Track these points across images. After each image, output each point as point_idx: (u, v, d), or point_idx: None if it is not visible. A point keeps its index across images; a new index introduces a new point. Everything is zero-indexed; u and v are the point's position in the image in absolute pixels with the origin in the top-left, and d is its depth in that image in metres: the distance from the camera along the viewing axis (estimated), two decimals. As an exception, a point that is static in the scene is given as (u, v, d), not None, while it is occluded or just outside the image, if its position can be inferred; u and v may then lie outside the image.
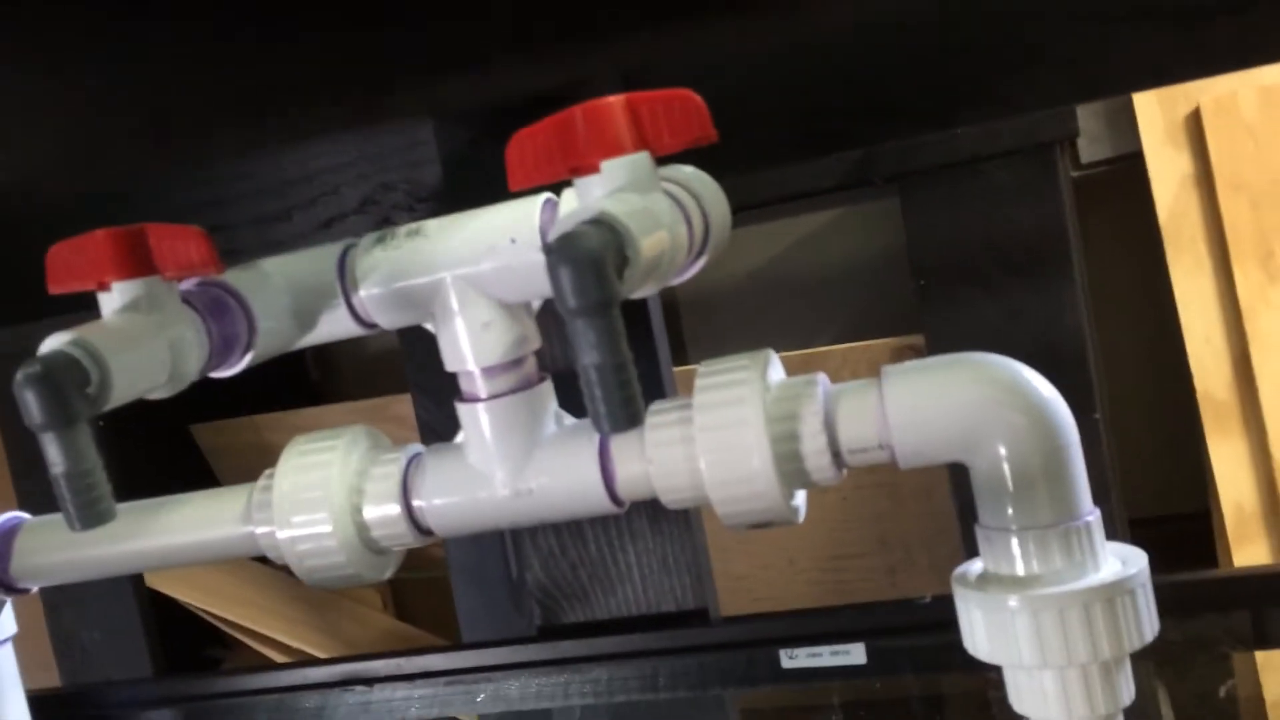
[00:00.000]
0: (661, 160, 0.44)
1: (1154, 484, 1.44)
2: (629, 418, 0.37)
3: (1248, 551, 1.14)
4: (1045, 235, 1.07)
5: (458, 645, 0.69)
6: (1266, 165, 1.19)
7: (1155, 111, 1.25)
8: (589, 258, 0.35)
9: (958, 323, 1.11)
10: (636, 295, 0.41)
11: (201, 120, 0.49)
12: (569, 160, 0.41)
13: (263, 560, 1.59)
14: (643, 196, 0.41)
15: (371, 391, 1.62)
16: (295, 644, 1.45)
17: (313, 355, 1.86)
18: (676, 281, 0.46)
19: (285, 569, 1.63)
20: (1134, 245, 1.34)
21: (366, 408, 1.54)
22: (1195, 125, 1.23)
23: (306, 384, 1.85)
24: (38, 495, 1.06)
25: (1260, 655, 1.12)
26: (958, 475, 1.14)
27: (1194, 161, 1.23)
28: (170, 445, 1.61)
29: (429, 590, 1.62)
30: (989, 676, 1.21)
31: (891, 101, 0.59)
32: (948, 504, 1.22)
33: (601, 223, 0.37)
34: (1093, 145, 1.35)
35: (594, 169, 0.41)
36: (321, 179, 0.65)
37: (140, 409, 0.45)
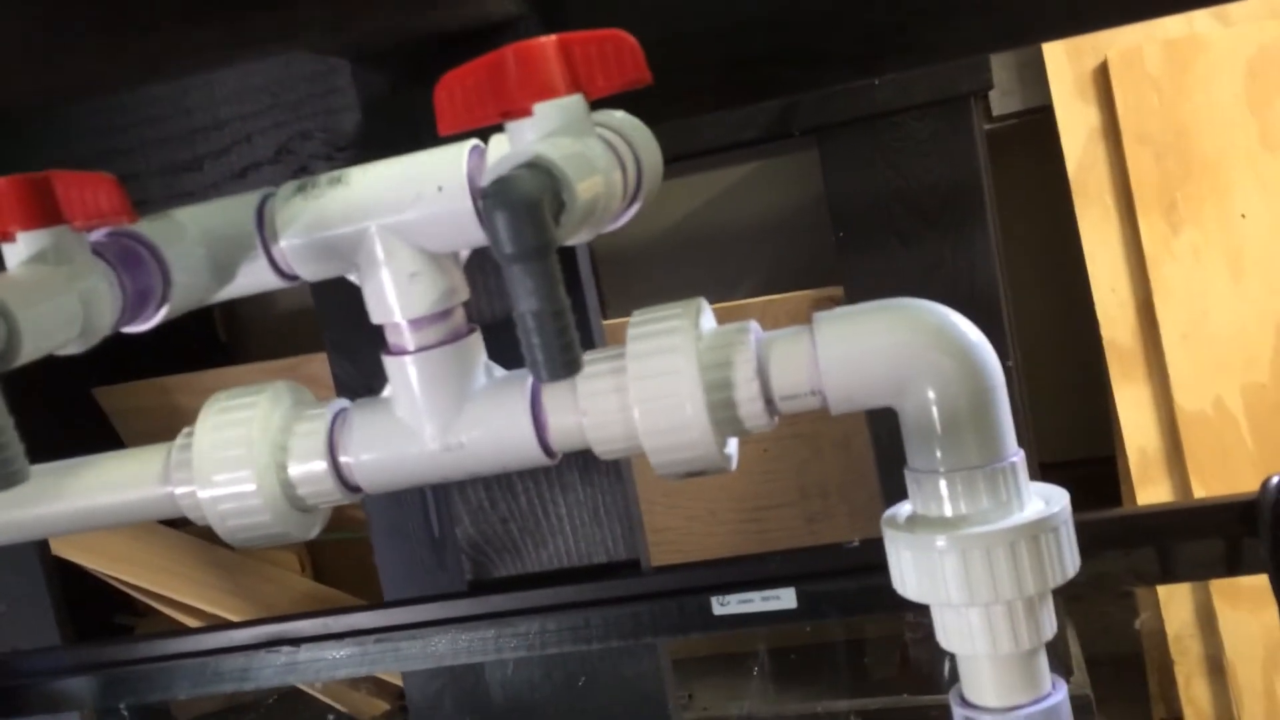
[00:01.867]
0: (593, 105, 0.43)
1: (1062, 429, 1.49)
2: (567, 365, 0.36)
3: (1150, 493, 1.18)
4: (960, 187, 1.09)
5: (386, 603, 0.68)
6: (1170, 118, 1.22)
7: (1064, 65, 1.27)
8: (525, 202, 0.35)
9: (875, 274, 1.13)
10: (570, 242, 0.41)
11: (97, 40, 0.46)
12: (500, 103, 0.40)
13: (173, 524, 1.56)
14: (577, 140, 0.40)
15: (282, 351, 1.59)
16: (210, 609, 1.42)
17: (221, 315, 1.82)
18: (610, 229, 0.45)
19: (197, 532, 1.59)
20: (1042, 197, 1.37)
21: (278, 368, 1.50)
22: (1103, 78, 1.26)
23: (215, 344, 1.81)
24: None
25: (1163, 592, 1.17)
26: (877, 424, 1.16)
27: (1101, 114, 1.26)
28: (72, 408, 1.56)
29: (347, 552, 1.60)
30: (906, 619, 1.24)
31: (815, 49, 0.59)
32: (865, 453, 1.25)
33: (537, 166, 0.36)
34: (1003, 98, 1.37)
35: (526, 112, 0.40)
36: (233, 126, 0.62)
37: (40, 371, 0.43)
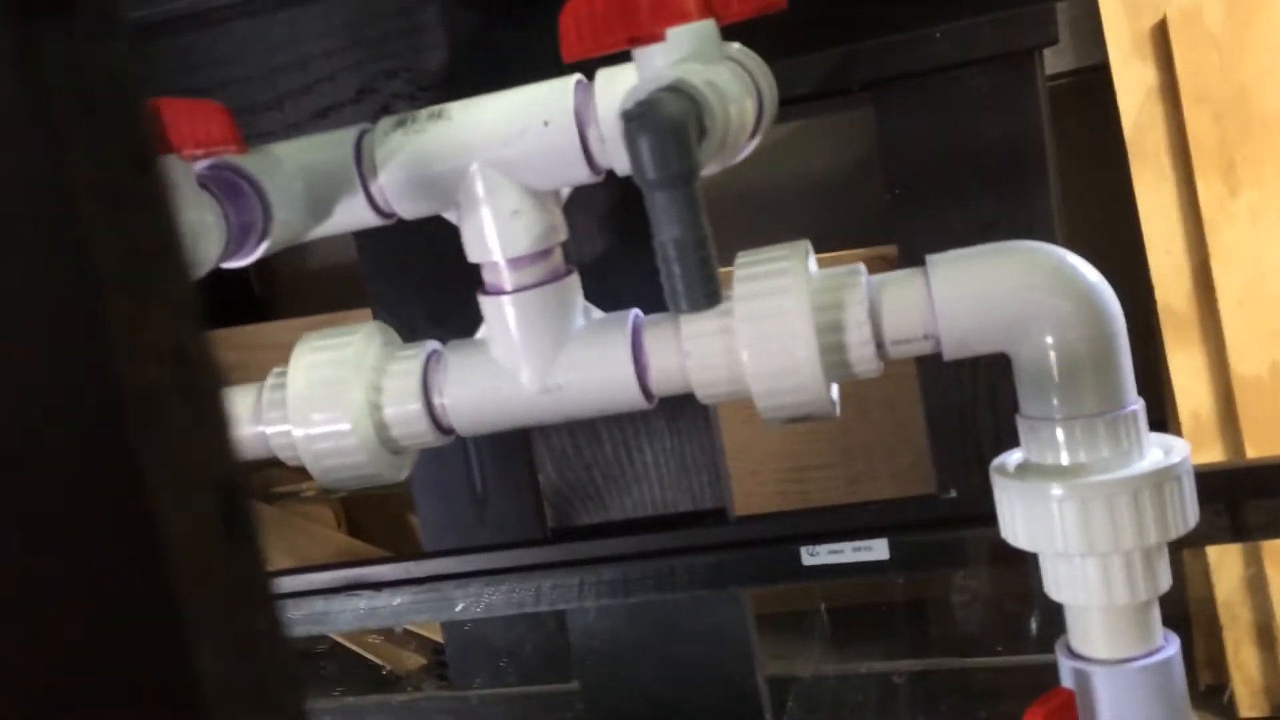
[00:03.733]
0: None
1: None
2: (709, 296, 0.35)
3: (1203, 458, 1.17)
4: (1021, 146, 1.07)
5: (468, 549, 0.67)
6: (1230, 77, 1.20)
7: (1122, 22, 1.25)
8: (671, 125, 0.33)
9: (930, 233, 1.11)
10: (703, 173, 0.39)
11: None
12: (630, 29, 0.39)
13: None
14: (709, 67, 0.39)
15: (316, 307, 1.58)
16: (248, 563, 1.42)
17: (255, 270, 1.81)
18: (734, 161, 0.44)
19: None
20: (1095, 157, 1.35)
21: (318, 322, 1.49)
22: (1161, 36, 1.23)
23: (249, 300, 1.80)
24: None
25: (1213, 556, 1.16)
26: (928, 384, 1.15)
27: (1159, 73, 1.23)
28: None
29: (383, 508, 1.60)
30: (954, 581, 1.23)
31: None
32: (913, 414, 1.23)
33: (680, 90, 0.35)
34: (1056, 57, 1.35)
35: (657, 37, 0.39)
36: (315, 65, 0.61)
37: None
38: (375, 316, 1.05)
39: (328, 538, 1.57)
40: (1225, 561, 1.15)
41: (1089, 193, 1.48)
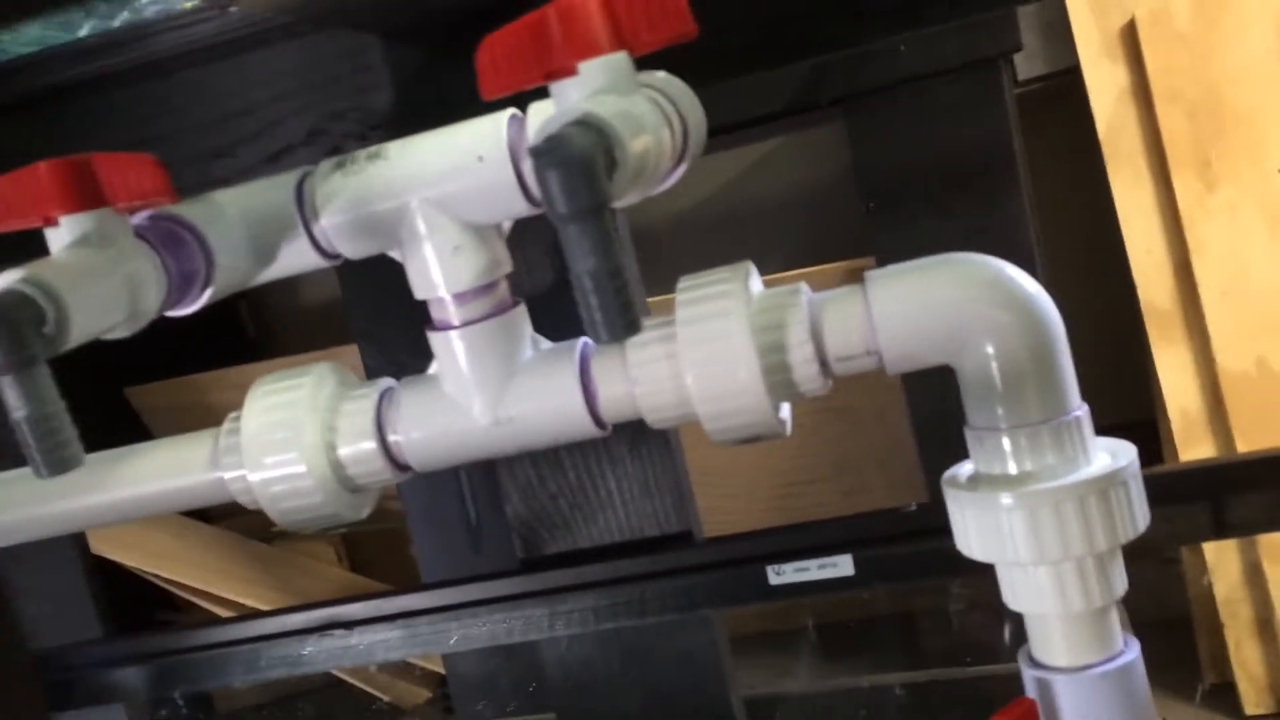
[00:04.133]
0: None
1: (1100, 394, 1.47)
2: (627, 325, 0.36)
3: (1194, 455, 1.17)
4: (992, 152, 1.07)
5: (438, 583, 0.68)
6: (1201, 75, 1.20)
7: (1090, 25, 1.25)
8: (579, 159, 0.34)
9: (907, 243, 1.11)
10: (620, 204, 0.40)
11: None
12: (544, 63, 0.39)
13: (210, 519, 1.56)
14: (623, 98, 0.39)
15: (309, 345, 1.59)
16: (248, 602, 1.42)
17: (248, 311, 1.82)
18: (658, 190, 0.44)
19: (234, 527, 1.59)
20: (1071, 160, 1.35)
21: (308, 360, 1.50)
22: (1130, 37, 1.24)
23: (243, 341, 1.81)
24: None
25: (1210, 554, 1.15)
26: (914, 394, 1.15)
27: (1130, 74, 1.23)
28: (104, 409, 1.56)
29: (385, 543, 1.60)
30: (949, 591, 1.22)
31: (854, 3, 0.58)
32: (902, 425, 1.23)
33: (587, 124, 0.35)
34: (1029, 61, 1.36)
35: (570, 71, 0.39)
36: (264, 110, 0.62)
37: (72, 371, 0.43)
38: (362, 353, 1.05)
39: (328, 574, 1.57)
40: (1223, 559, 1.14)
41: (1068, 196, 1.48)
